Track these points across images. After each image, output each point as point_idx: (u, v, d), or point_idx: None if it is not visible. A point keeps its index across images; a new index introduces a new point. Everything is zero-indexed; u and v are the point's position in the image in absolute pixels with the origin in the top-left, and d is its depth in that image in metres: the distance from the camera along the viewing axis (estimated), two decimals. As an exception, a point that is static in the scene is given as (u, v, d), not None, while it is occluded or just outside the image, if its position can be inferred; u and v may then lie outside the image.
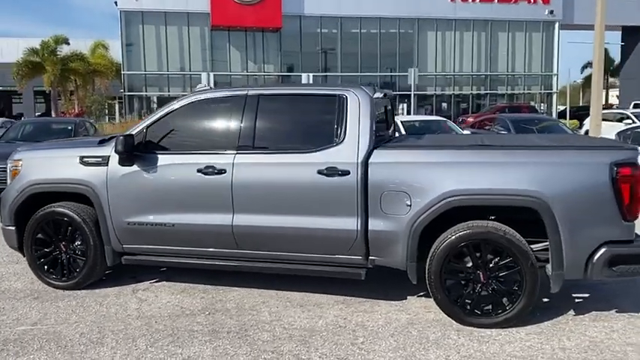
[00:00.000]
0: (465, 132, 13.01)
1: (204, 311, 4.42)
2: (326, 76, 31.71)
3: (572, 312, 4.37)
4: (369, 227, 4.19)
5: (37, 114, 36.66)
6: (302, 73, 30.02)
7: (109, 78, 31.55)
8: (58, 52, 27.60)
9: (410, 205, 4.08)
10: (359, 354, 3.65)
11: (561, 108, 35.08)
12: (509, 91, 35.23)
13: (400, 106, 33.45)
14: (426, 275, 4.12)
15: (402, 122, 12.41)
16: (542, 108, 34.33)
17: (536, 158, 3.99)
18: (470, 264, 4.04)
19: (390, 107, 5.40)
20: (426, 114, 28.50)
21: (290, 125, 4.57)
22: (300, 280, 4.78)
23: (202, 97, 4.71)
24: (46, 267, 4.92)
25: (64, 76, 28.14)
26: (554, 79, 35.54)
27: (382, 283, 4.91)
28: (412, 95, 22.61)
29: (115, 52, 31.22)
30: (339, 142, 4.24)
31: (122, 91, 30.11)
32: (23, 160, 4.98)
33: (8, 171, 5.06)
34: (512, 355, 3.63)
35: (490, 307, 4.03)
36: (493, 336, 3.91)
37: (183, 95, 4.87)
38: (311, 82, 17.70)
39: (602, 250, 3.83)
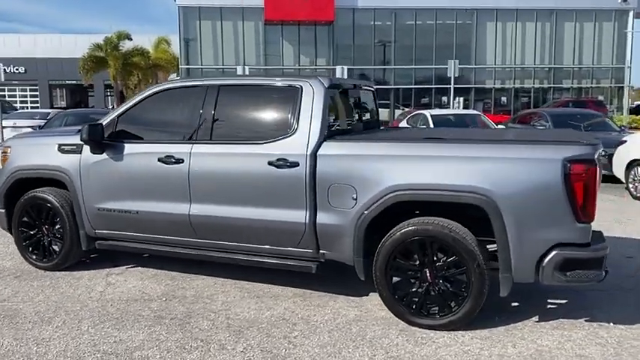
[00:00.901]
0: (499, 127, 12.46)
1: (162, 297, 4.52)
2: (385, 69, 31.33)
3: (536, 318, 4.10)
4: (317, 220, 4.12)
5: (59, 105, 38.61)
6: (353, 66, 29.93)
7: (170, 72, 32.77)
8: (121, 48, 28.99)
9: (356, 199, 3.97)
10: (284, 347, 3.60)
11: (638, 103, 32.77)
12: (575, 85, 33.29)
13: (456, 100, 32.54)
14: (372, 272, 3.99)
15: (431, 116, 12.07)
16: (611, 103, 32.26)
17: (483, 153, 3.75)
18: (416, 262, 3.88)
19: (362, 98, 5.24)
20: (459, 107, 27.51)
21: (246, 116, 4.55)
22: (269, 272, 4.74)
23: (166, 87, 4.80)
24: (30, 248, 5.21)
25: (127, 70, 29.55)
26: (627, 72, 33.22)
27: (352, 278, 4.81)
28: (451, 88, 21.85)
29: (176, 47, 32.38)
30: (291, 133, 4.18)
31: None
32: (12, 147, 5.28)
33: (1, 157, 5.38)
34: (442, 359, 3.45)
35: (437, 308, 3.86)
36: (434, 338, 3.74)
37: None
38: (345, 75, 17.51)
39: (553, 253, 3.56)
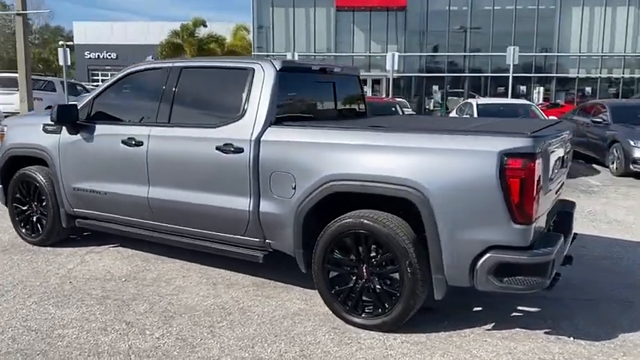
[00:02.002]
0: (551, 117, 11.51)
1: (122, 278, 4.58)
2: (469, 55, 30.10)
3: (490, 325, 3.71)
4: (260, 209, 3.97)
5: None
6: (426, 53, 29.01)
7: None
8: (196, 34, 30.02)
9: (295, 188, 3.77)
10: (202, 337, 3.51)
11: None
12: (674, 74, 30.23)
13: (536, 90, 30.70)
14: (311, 265, 3.80)
15: (476, 105, 11.37)
16: None
17: (416, 143, 3.40)
18: (352, 257, 3.63)
19: (340, 84, 4.96)
20: (539, 98, 25.74)
21: (202, 99, 4.46)
22: (240, 261, 4.44)
23: (136, 69, 4.81)
24: (22, 223, 5.49)
25: (202, 56, 30.56)
26: None
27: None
28: (510, 77, 20.43)
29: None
30: (239, 117, 4.04)
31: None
32: (8, 127, 5.58)
33: (-1, 136, 5.70)
34: (356, 362, 3.22)
35: (372, 307, 3.60)
36: (362, 339, 3.49)
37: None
38: (396, 62, 16.85)
39: (487, 255, 3.18)
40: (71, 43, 46.72)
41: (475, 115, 11.12)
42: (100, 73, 46.68)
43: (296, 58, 20.75)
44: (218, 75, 4.40)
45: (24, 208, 5.46)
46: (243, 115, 4.02)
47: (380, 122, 4.32)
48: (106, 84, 4.94)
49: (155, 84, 4.60)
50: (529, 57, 30.12)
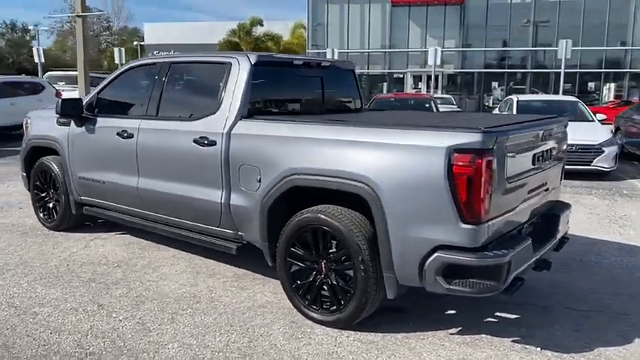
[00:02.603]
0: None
1: (115, 263, 4.81)
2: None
3: (456, 329, 3.60)
4: (231, 202, 4.04)
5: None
6: (485, 48, 28.09)
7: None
8: (253, 33, 30.63)
9: (260, 182, 3.82)
10: (160, 322, 3.63)
11: None
12: None
13: (606, 86, 29.05)
14: (276, 258, 3.83)
15: (517, 101, 10.90)
16: None
17: (369, 137, 3.33)
18: (312, 252, 3.63)
19: (329, 78, 4.94)
20: (609, 95, 24.17)
21: (186, 93, 4.60)
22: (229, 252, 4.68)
23: (133, 64, 5.02)
24: (41, 209, 5.88)
25: (258, 54, 31.13)
26: None
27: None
28: (562, 73, 19.27)
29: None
30: (215, 110, 4.14)
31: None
32: (30, 119, 5.97)
33: (24, 127, 6.11)
34: (299, 356, 3.21)
35: (329, 303, 3.59)
36: (315, 334, 3.49)
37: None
38: (438, 56, 16.41)
39: (434, 255, 3.08)
40: (143, 43, 49.06)
41: (514, 111, 10.69)
42: (167, 71, 48.52)
43: (335, 54, 20.61)
44: (201, 69, 4.51)
45: (42, 194, 5.84)
46: (218, 109, 4.11)
47: (357, 117, 4.27)
48: (109, 79, 5.18)
49: (148, 79, 4.79)
50: (599, 51, 28.49)
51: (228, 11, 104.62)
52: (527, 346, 3.41)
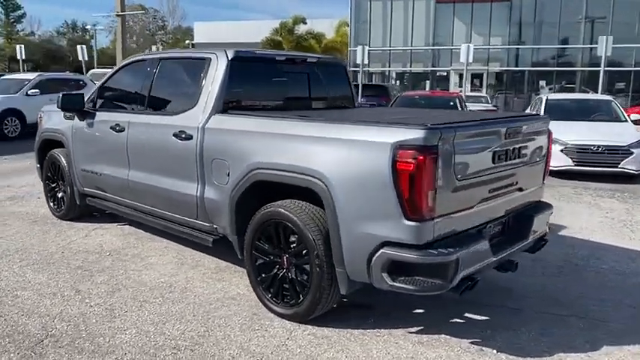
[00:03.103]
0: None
1: (108, 252, 5.00)
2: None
3: (416, 329, 3.56)
4: (205, 195, 4.13)
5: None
6: (534, 45, 27.21)
7: (345, 54, 33.79)
8: (295, 32, 30.85)
9: (229, 175, 3.89)
10: (128, 309, 3.75)
11: None
12: None
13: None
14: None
15: (546, 100, 10.50)
16: None
17: (322, 133, 3.33)
18: (275, 246, 3.66)
19: (317, 75, 4.93)
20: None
21: (172, 88, 4.70)
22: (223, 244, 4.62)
23: (129, 60, 5.19)
24: (52, 199, 6.19)
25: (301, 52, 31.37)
26: None
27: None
28: (601, 71, 18.25)
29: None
30: (193, 105, 4.23)
31: (348, 67, 32.04)
32: (43, 113, 6.28)
33: (38, 121, 6.43)
34: (248, 347, 3.25)
35: (289, 296, 3.61)
36: (271, 327, 3.53)
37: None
38: (471, 54, 15.92)
39: (380, 252, 3.05)
40: (194, 42, 50.37)
41: (542, 111, 10.33)
42: (215, 69, 49.65)
43: (365, 53, 20.38)
44: (185, 65, 4.63)
45: (53, 185, 6.14)
46: (196, 104, 4.20)
47: (330, 113, 4.27)
48: (109, 74, 5.39)
49: (140, 74, 4.94)
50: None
51: (281, 10, 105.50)
52: (483, 348, 3.33)
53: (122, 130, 4.83)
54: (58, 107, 5.30)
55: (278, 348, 3.26)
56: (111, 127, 4.95)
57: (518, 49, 29.28)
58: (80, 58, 19.79)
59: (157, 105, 4.67)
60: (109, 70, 6.39)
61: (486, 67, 29.55)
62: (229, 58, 4.16)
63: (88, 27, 57.72)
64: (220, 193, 3.98)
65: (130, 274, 4.46)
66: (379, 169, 2.99)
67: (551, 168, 9.14)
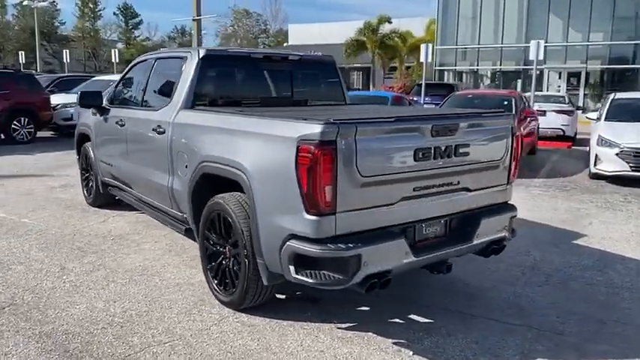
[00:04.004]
0: None
1: (111, 237, 5.43)
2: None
3: (347, 325, 3.56)
4: (173, 185, 4.38)
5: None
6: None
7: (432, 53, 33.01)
8: (380, 31, 30.64)
9: (187, 168, 4.10)
10: (92, 287, 4.10)
11: None
12: None
13: None
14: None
15: (611, 100, 9.62)
16: None
17: (246, 127, 3.43)
18: (219, 236, 3.82)
19: (301, 72, 4.99)
20: None
21: (158, 85, 4.96)
22: None
23: (137, 60, 5.59)
24: (85, 187, 6.82)
25: (385, 52, 31.10)
26: None
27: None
28: None
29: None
30: (170, 101, 4.51)
31: (434, 66, 31.29)
32: (80, 110, 6.93)
33: (77, 117, 7.09)
34: (173, 329, 3.44)
35: (229, 285, 3.75)
36: (208, 313, 3.70)
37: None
38: (541, 52, 14.72)
39: (287, 244, 3.09)
40: (288, 44, 51.88)
41: (605, 111, 9.52)
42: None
43: (429, 53, 19.55)
44: (171, 64, 4.90)
45: (86, 174, 6.77)
46: (171, 100, 4.47)
47: (290, 110, 4.33)
48: (123, 73, 5.85)
49: (142, 73, 5.33)
50: None
51: (382, 10, 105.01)
52: (402, 350, 3.26)
53: (123, 124, 5.24)
54: (78, 103, 5.86)
55: (200, 331, 3.42)
56: (116, 122, 5.39)
57: (620, 45, 26.85)
58: (113, 60, 21.19)
59: (148, 101, 5.02)
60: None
61: (584, 65, 27.45)
62: (200, 57, 4.37)
63: (193, 32, 61.55)
64: (182, 184, 4.21)
65: (118, 256, 4.84)
66: (286, 162, 3.03)
67: (604, 172, 8.43)
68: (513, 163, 3.87)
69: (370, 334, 3.44)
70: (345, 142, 2.92)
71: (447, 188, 3.46)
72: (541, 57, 14.95)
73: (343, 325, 3.55)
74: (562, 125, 13.70)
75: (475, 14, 29.75)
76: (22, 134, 12.77)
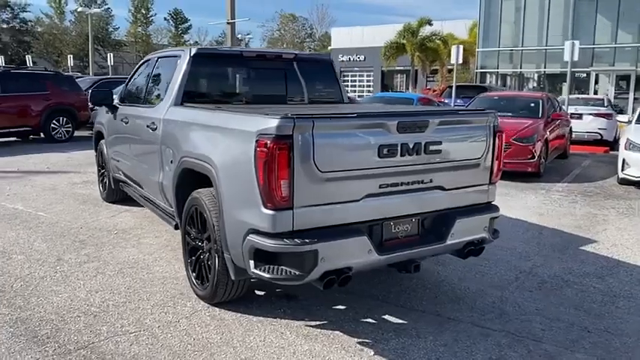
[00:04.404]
0: None
1: (115, 231, 5.60)
2: None
3: (316, 323, 3.53)
4: (162, 180, 4.47)
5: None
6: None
7: (474, 56, 32.37)
8: (420, 34, 30.26)
9: (172, 163, 4.18)
10: (79, 277, 4.22)
11: None
12: None
13: None
14: (182, 234, 4.16)
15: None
16: None
17: (215, 121, 3.49)
18: (198, 231, 3.86)
19: (296, 71, 4.98)
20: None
21: (156, 83, 5.08)
22: None
23: (144, 59, 5.73)
24: (100, 183, 7.06)
25: (424, 54, 30.68)
26: None
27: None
28: None
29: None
30: (163, 98, 4.61)
31: (475, 68, 30.61)
32: (97, 109, 7.17)
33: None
34: (140, 319, 3.51)
35: (205, 279, 3.79)
36: (182, 306, 3.75)
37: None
38: (576, 52, 14.01)
39: (247, 238, 3.09)
40: (331, 48, 52.03)
41: (636, 115, 9.07)
42: (349, 74, 50.82)
43: (460, 55, 19.00)
44: (168, 62, 5.01)
45: (102, 171, 7.01)
46: (164, 97, 4.57)
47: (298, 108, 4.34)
48: (131, 73, 6.02)
49: (146, 71, 5.47)
50: None
51: (429, 13, 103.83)
52: (364, 349, 3.20)
53: (127, 122, 5.40)
54: (89, 101, 6.07)
55: (168, 323, 3.47)
56: (121, 120, 5.55)
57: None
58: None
59: (147, 99, 5.14)
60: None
61: (634, 68, 26.17)
62: (191, 55, 4.45)
63: (239, 36, 62.67)
64: (168, 179, 4.29)
65: (115, 250, 4.97)
66: (247, 157, 3.04)
67: (632, 178, 8.04)
68: (496, 163, 3.73)
69: (337, 332, 3.40)
70: (301, 137, 2.90)
71: (418, 186, 3.38)
72: (576, 58, 14.37)
73: (313, 323, 3.53)
74: (599, 129, 13.15)
75: (518, 16, 28.93)
76: (61, 133, 13.33)
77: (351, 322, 3.55)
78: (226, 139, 3.30)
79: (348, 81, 50.31)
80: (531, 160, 8.47)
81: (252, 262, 3.10)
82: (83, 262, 4.62)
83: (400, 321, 3.60)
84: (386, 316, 3.67)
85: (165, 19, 66.39)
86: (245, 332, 3.37)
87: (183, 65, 4.46)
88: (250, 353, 3.12)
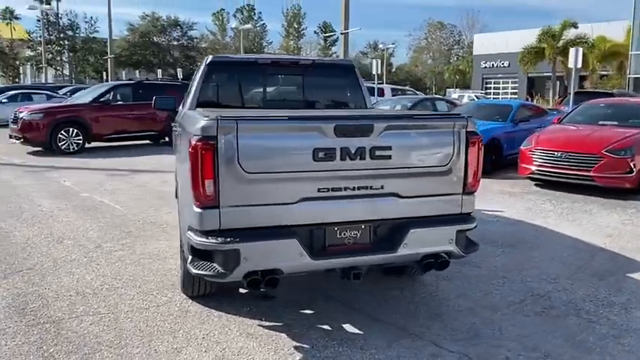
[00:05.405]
0: None
1: (157, 225, 6.11)
2: None
3: (278, 324, 3.59)
4: (177, 178, 4.82)
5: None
6: None
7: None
8: (563, 37, 27.80)
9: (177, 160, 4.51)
10: (78, 265, 4.71)
11: None
12: None
13: None
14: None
15: None
16: None
17: (185, 123, 3.72)
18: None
19: (313, 77, 5.01)
20: None
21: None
22: None
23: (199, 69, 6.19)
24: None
25: (567, 60, 28.06)
26: None
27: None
28: None
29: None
30: (187, 102, 4.98)
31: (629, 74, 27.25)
32: (176, 114, 7.87)
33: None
34: (118, 307, 3.84)
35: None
36: (159, 298, 4.00)
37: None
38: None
39: (186, 234, 3.24)
40: (474, 54, 50.19)
41: None
42: (492, 80, 48.47)
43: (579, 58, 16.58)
44: (200, 68, 5.36)
45: (175, 172, 7.70)
46: (187, 101, 4.94)
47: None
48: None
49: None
50: None
51: (586, 15, 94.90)
52: (294, 353, 3.18)
53: (176, 125, 5.89)
54: (153, 107, 6.72)
55: (138, 310, 3.76)
56: (179, 125, 6.07)
57: None
58: (374, 72, 22.25)
59: (189, 105, 5.56)
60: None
61: None
62: (206, 63, 4.76)
63: (381, 45, 63.35)
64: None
65: (149, 242, 5.44)
66: (187, 156, 3.21)
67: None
68: (471, 172, 3.42)
69: (283, 335, 3.41)
70: (225, 139, 2.98)
71: (366, 192, 3.24)
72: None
73: (266, 324, 3.57)
74: None
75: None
76: (182, 138, 14.76)
77: (305, 327, 3.52)
78: (184, 140, 3.51)
79: (490, 88, 48.11)
80: (629, 175, 7.39)
81: (190, 258, 3.25)
82: (114, 250, 5.15)
83: (356, 331, 3.48)
84: (346, 325, 3.57)
85: (315, 32, 69.42)
86: (195, 325, 3.53)
87: (200, 71, 4.79)
88: (184, 344, 3.27)
